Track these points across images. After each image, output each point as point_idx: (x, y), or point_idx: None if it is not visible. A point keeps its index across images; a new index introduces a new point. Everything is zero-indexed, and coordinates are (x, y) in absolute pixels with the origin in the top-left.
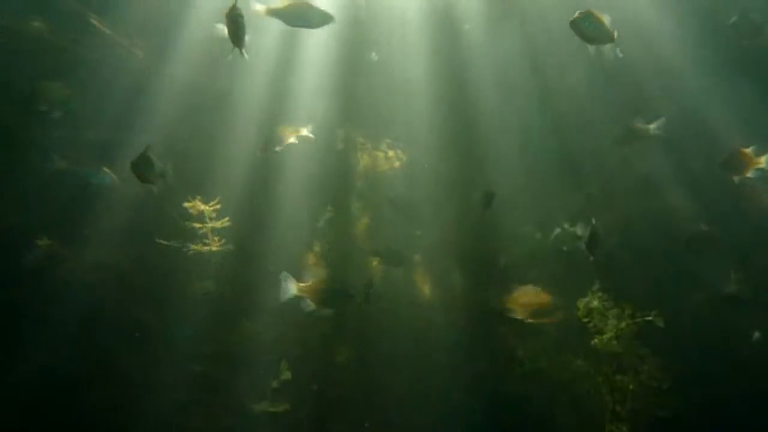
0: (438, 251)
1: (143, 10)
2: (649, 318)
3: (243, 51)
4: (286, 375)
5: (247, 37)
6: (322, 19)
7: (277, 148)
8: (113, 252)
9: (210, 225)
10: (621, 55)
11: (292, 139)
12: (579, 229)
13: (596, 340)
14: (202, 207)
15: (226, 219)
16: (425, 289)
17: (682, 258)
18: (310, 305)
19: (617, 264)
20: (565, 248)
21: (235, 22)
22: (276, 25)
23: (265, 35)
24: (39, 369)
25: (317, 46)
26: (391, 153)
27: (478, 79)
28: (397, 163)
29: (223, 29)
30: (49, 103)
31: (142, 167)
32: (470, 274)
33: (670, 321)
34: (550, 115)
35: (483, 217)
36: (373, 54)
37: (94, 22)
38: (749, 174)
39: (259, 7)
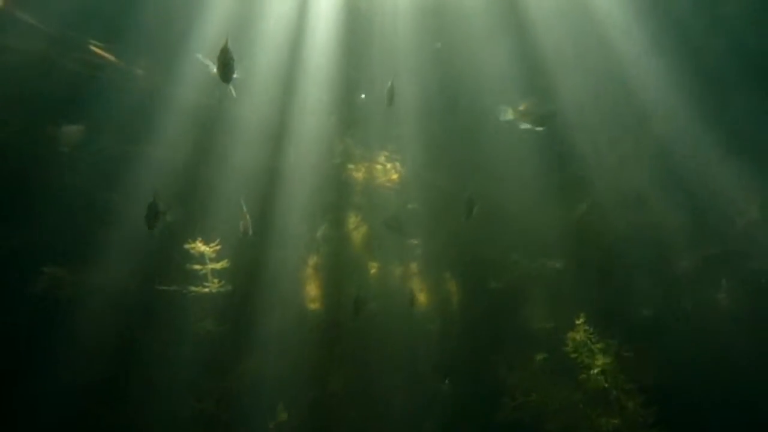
0: (433, 265)
1: (144, 32)
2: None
3: (231, 88)
4: (283, 416)
5: (235, 75)
6: None
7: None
8: (117, 277)
9: (210, 266)
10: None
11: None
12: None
13: (584, 376)
14: (203, 248)
15: (226, 261)
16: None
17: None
18: None
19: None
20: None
21: (225, 62)
22: (275, 42)
23: (265, 52)
24: (39, 395)
25: (317, 63)
26: (389, 165)
27: (474, 93)
28: (394, 176)
29: (211, 65)
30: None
31: (151, 216)
32: (464, 295)
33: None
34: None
35: (467, 225)
36: (362, 95)
37: (92, 47)
38: None
39: None
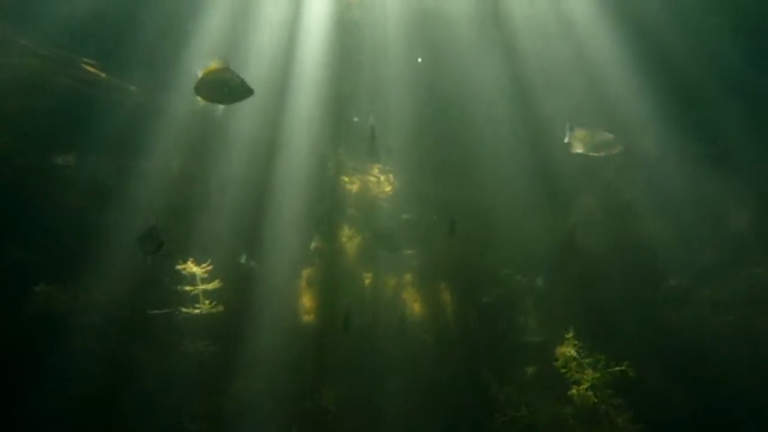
0: (424, 277)
1: (139, 49)
2: (622, 368)
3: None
4: None
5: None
6: None
7: None
8: (112, 293)
9: (201, 287)
10: None
11: None
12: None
13: (573, 391)
14: (194, 269)
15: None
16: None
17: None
18: None
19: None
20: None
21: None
22: (267, 57)
23: (257, 66)
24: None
25: (309, 74)
26: (382, 178)
27: (466, 107)
28: (388, 188)
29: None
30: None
31: (148, 244)
32: (455, 307)
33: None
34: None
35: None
36: (355, 119)
37: (85, 65)
38: None
39: None
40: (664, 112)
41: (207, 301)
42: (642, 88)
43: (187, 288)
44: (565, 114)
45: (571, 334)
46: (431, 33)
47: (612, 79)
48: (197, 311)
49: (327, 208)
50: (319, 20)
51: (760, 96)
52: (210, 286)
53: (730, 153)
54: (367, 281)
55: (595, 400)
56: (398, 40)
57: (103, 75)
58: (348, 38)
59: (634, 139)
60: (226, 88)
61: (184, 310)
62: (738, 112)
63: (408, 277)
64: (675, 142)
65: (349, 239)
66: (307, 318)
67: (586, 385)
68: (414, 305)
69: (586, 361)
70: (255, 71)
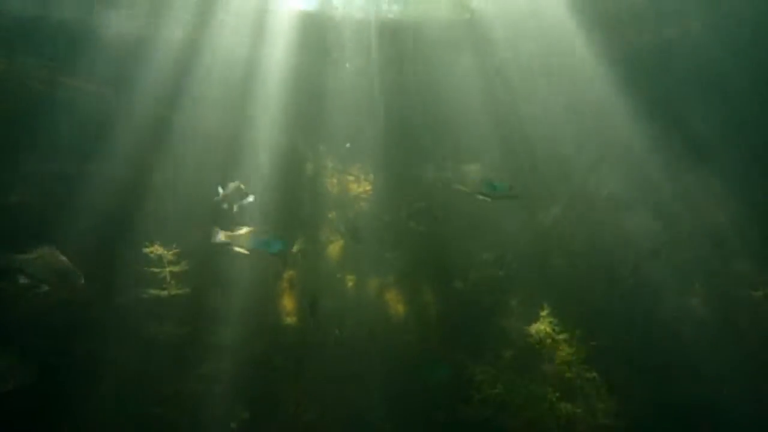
0: (400, 269)
1: (111, 56)
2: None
3: None
4: (245, 415)
5: None
6: None
7: None
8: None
9: (168, 269)
10: None
11: None
12: None
13: (548, 366)
14: (161, 251)
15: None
16: (388, 313)
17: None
18: None
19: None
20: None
21: None
22: (240, 54)
23: (230, 64)
24: None
25: (282, 76)
26: (362, 177)
27: (444, 103)
28: (367, 187)
29: None
30: None
31: None
32: (432, 300)
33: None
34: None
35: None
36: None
37: (45, 68)
38: None
39: None
40: (643, 108)
41: (173, 282)
42: (620, 84)
43: (155, 269)
44: (543, 110)
45: (545, 312)
46: (410, 31)
47: (590, 75)
48: (165, 293)
49: (309, 208)
50: (296, 18)
51: (738, 92)
52: (177, 268)
53: (708, 149)
54: (345, 270)
55: (570, 375)
56: (376, 39)
57: (64, 77)
58: (326, 37)
59: (612, 135)
60: None
61: (152, 291)
62: (717, 108)
63: (387, 265)
64: (653, 138)
65: (329, 238)
66: (283, 308)
67: (560, 360)
68: (392, 292)
69: (561, 336)
70: (229, 69)
